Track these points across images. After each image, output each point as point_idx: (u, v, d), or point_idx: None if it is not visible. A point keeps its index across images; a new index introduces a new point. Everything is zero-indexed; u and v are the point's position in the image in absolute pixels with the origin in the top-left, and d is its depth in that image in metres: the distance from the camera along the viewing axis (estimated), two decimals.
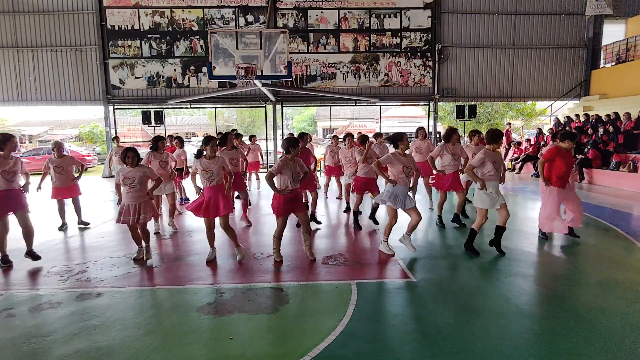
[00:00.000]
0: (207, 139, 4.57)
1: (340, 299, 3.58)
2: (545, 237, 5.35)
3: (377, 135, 8.57)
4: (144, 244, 4.70)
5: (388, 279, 4.08)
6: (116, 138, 10.36)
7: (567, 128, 12.34)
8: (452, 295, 3.66)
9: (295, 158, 4.43)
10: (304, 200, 6.12)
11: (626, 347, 2.79)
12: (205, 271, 4.33)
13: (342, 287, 3.83)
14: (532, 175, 12.05)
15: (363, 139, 6.08)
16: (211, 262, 4.57)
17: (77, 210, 6.32)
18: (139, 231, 4.62)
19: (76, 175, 6.22)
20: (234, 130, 9.44)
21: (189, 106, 15.65)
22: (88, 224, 6.42)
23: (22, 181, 4.81)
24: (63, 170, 5.97)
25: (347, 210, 7.12)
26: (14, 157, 4.56)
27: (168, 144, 7.85)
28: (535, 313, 3.32)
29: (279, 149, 15.92)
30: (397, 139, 4.63)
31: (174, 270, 4.38)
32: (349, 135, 6.79)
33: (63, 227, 6.20)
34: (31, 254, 4.64)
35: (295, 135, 6.83)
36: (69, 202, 6.29)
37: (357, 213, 6.10)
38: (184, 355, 2.74)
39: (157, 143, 6.00)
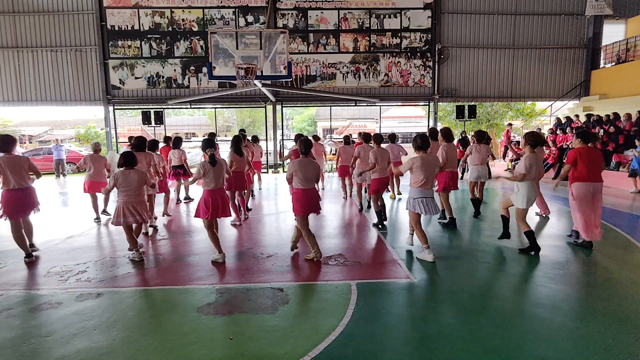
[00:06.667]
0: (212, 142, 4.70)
1: (340, 299, 3.58)
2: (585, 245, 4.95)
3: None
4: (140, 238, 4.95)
5: (388, 279, 4.08)
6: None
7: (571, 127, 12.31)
8: (452, 295, 3.66)
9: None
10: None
11: (626, 348, 2.79)
12: (205, 271, 4.33)
13: (342, 287, 3.83)
14: None
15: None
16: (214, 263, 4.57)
17: (106, 200, 7.09)
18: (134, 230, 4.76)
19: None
20: (242, 130, 9.07)
21: (189, 106, 15.64)
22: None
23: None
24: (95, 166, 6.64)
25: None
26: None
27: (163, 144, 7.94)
28: (535, 313, 3.32)
29: (279, 149, 15.97)
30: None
31: (174, 270, 4.38)
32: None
33: (97, 220, 6.70)
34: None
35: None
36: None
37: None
38: (184, 355, 2.74)
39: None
